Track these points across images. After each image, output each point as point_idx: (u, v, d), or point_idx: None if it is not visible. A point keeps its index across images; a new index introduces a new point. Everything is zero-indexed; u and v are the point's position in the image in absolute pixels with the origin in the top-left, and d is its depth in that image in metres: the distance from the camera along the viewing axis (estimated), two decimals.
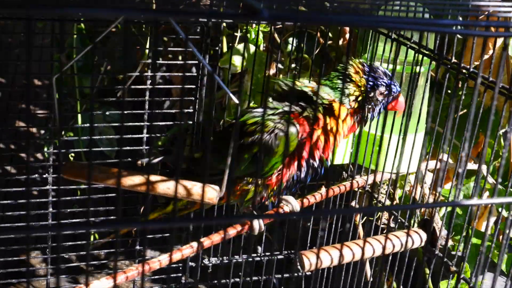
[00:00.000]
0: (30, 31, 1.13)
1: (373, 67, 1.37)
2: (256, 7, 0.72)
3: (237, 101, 0.94)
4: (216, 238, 1.32)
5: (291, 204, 1.42)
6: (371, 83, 1.35)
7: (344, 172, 1.66)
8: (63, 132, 2.15)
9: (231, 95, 0.98)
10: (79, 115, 1.98)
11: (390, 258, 1.45)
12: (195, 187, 1.19)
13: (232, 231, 1.33)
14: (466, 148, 0.88)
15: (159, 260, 1.27)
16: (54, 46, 1.51)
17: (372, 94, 1.36)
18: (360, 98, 1.35)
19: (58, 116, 1.25)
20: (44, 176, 1.50)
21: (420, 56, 1.34)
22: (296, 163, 1.33)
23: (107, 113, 1.91)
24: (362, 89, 1.35)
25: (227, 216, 0.78)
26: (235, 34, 1.72)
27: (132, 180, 1.20)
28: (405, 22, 0.78)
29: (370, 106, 1.38)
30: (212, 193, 1.17)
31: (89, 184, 0.77)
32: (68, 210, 1.64)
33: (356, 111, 1.37)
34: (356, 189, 1.55)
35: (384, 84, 1.35)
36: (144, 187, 1.23)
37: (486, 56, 1.60)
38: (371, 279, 1.62)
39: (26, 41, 1.76)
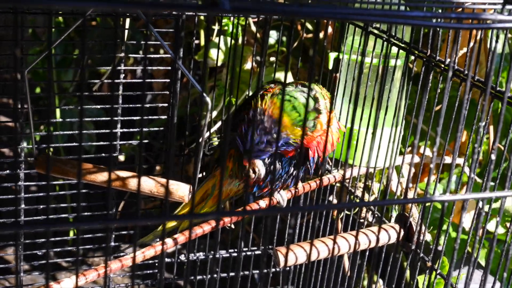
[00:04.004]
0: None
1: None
2: None
3: (200, 89, 0.92)
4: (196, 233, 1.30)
5: (281, 197, 1.39)
6: None
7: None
8: (41, 127, 2.12)
9: (195, 84, 0.96)
10: (58, 110, 1.95)
11: (367, 253, 1.43)
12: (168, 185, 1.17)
13: (206, 227, 1.32)
14: (438, 142, 0.86)
15: (131, 257, 1.25)
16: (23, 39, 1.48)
17: None
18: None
19: (30, 110, 1.23)
20: (16, 172, 1.48)
21: (393, 48, 1.31)
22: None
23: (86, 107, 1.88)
24: None
25: (193, 214, 0.76)
26: (213, 27, 1.70)
27: (104, 176, 1.18)
28: (372, 14, 0.76)
29: None
30: (183, 191, 1.15)
31: (78, 180, 0.76)
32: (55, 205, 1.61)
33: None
34: (334, 184, 1.53)
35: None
36: (116, 183, 1.21)
37: (464, 50, 1.59)
38: (348, 274, 1.61)
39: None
